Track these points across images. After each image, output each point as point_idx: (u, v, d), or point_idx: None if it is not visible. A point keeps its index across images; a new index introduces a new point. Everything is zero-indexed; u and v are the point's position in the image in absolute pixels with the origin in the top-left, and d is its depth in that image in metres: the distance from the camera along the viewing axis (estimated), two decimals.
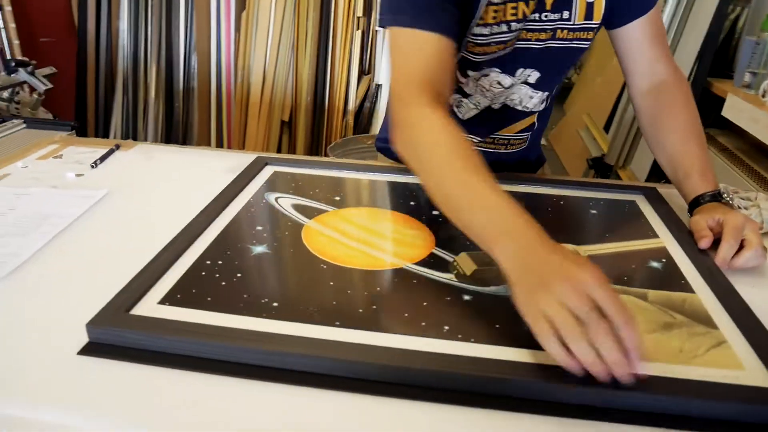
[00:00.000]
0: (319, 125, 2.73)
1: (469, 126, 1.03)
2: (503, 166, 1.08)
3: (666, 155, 0.92)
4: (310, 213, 0.86)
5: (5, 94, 1.63)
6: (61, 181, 1.00)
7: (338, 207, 0.89)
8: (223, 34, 2.74)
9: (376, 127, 2.70)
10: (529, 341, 0.58)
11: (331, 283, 0.68)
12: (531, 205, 0.92)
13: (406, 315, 0.63)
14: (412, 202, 0.92)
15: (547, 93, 1.00)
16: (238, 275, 0.70)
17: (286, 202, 0.90)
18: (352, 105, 2.67)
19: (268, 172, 1.02)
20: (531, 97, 0.99)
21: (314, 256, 0.74)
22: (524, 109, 1.01)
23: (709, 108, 2.08)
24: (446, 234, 0.81)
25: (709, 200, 0.83)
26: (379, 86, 2.67)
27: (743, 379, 0.55)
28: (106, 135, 2.93)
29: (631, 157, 2.52)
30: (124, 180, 0.99)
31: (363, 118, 2.70)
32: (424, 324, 0.61)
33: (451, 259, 0.74)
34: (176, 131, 2.86)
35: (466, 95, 1.00)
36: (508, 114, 1.02)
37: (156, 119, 2.86)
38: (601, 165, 2.61)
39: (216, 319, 0.61)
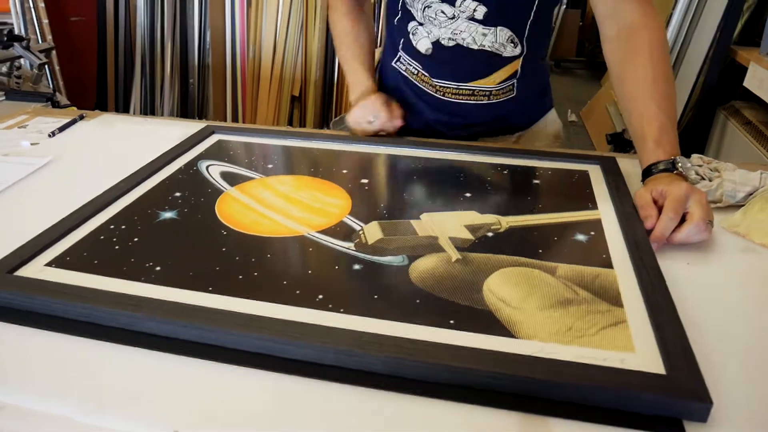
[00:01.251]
0: (329, 99, 2.71)
1: (442, 73, 1.00)
2: (496, 119, 1.05)
3: (626, 116, 0.84)
4: (235, 180, 0.84)
5: (3, 68, 1.67)
6: (15, 149, 1.01)
7: (267, 175, 0.86)
8: (237, 9, 2.74)
9: None
10: (399, 315, 0.54)
11: (223, 249, 0.66)
12: (466, 174, 0.87)
13: (285, 283, 0.59)
14: (344, 170, 0.88)
15: (508, 33, 0.93)
16: (135, 240, 0.68)
17: (215, 170, 0.87)
18: None
19: (211, 140, 1.00)
20: (484, 35, 0.93)
21: (219, 223, 0.72)
22: (491, 50, 0.94)
23: (733, 78, 1.92)
24: (366, 202, 0.77)
25: (662, 170, 0.75)
26: None
27: (627, 363, 0.49)
28: (126, 112, 2.99)
29: None
30: (74, 149, 0.99)
31: None
32: (298, 292, 0.58)
33: (359, 228, 0.70)
34: (192, 107, 2.89)
35: (420, 23, 0.98)
36: (481, 60, 0.96)
37: (172, 96, 2.90)
38: (620, 140, 2.47)
39: (94, 281, 0.59)
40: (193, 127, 1.06)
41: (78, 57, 2.99)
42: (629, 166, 0.86)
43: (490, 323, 0.54)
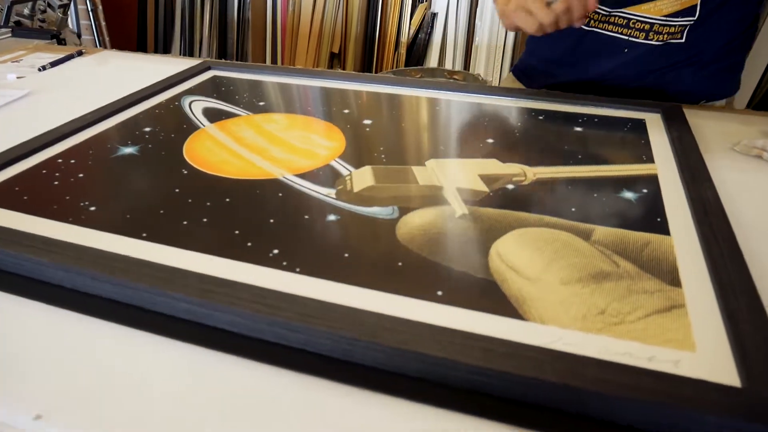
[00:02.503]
0: (370, 57, 2.55)
1: None
2: (642, 73, 0.80)
3: None
4: (217, 117, 0.71)
5: (26, 10, 1.60)
6: (1, 82, 0.93)
7: (257, 113, 0.73)
8: None
9: (431, 60, 2.47)
10: (370, 280, 0.41)
11: (176, 191, 0.54)
12: (492, 118, 0.71)
13: (237, 233, 0.47)
14: (346, 110, 0.74)
15: None
16: (79, 176, 0.57)
17: (198, 106, 0.75)
18: (405, 36, 2.45)
19: (205, 76, 0.87)
20: None
21: (183, 161, 0.59)
22: None
23: None
24: (363, 145, 0.63)
25: None
26: (434, 15, 2.42)
27: (684, 366, 0.34)
28: None
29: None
30: (59, 83, 0.89)
31: (417, 49, 2.47)
32: (249, 245, 0.45)
33: (347, 173, 0.57)
34: (230, 59, 2.79)
35: None
36: None
37: (210, 52, 2.81)
38: None
39: (11, 219, 0.49)
40: (190, 64, 0.94)
41: (119, 11, 2.94)
42: (700, 119, 0.69)
43: (492, 298, 0.39)
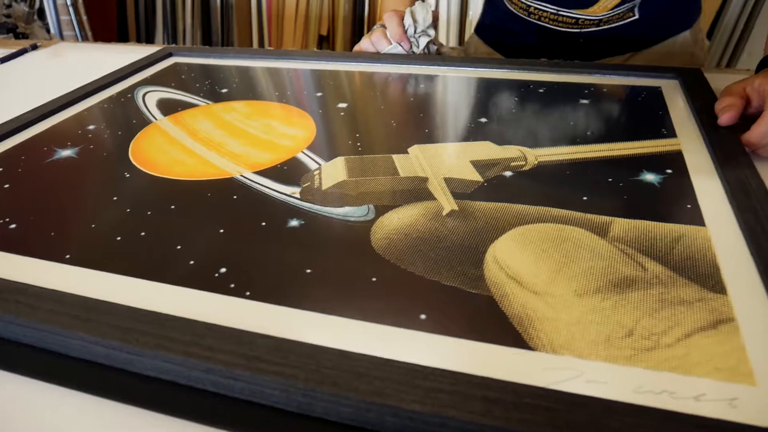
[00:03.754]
0: (360, 37, 2.44)
1: None
2: (607, 46, 0.78)
3: None
4: (172, 109, 0.63)
5: None
6: None
7: (218, 101, 0.64)
8: None
9: None
10: (335, 304, 0.33)
11: (114, 199, 0.45)
12: (484, 93, 0.63)
13: (179, 248, 0.38)
14: (319, 93, 0.65)
15: None
16: (5, 187, 0.48)
17: (152, 98, 0.67)
18: None
19: (165, 64, 0.79)
20: None
21: (127, 163, 0.51)
22: None
23: None
24: (337, 133, 0.55)
25: None
26: None
27: (743, 407, 0.26)
28: None
29: (733, 64, 2.01)
30: (4, 82, 0.81)
31: None
32: (192, 263, 0.37)
33: (315, 167, 0.48)
34: (215, 46, 2.69)
35: None
36: None
37: (194, 38, 2.71)
38: None
39: None
40: (149, 52, 0.85)
41: (98, 3, 2.83)
42: (723, 83, 0.60)
43: (490, 320, 0.31)
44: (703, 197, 0.41)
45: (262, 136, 0.55)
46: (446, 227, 0.39)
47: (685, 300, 0.32)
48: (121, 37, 2.83)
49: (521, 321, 0.31)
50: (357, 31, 2.45)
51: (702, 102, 0.54)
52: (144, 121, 0.60)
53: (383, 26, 0.76)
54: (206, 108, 0.63)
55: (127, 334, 0.30)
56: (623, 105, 0.58)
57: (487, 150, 0.50)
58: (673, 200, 0.41)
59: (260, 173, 0.48)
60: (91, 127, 0.59)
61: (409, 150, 0.50)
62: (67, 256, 0.38)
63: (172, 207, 0.44)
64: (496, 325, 0.31)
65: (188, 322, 0.30)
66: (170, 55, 0.81)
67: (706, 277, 0.34)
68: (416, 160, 0.48)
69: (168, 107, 0.63)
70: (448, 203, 0.42)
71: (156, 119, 0.60)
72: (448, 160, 0.48)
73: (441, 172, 0.46)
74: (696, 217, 0.39)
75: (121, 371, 0.30)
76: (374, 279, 0.35)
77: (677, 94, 0.59)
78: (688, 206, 0.40)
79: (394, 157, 0.49)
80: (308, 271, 0.36)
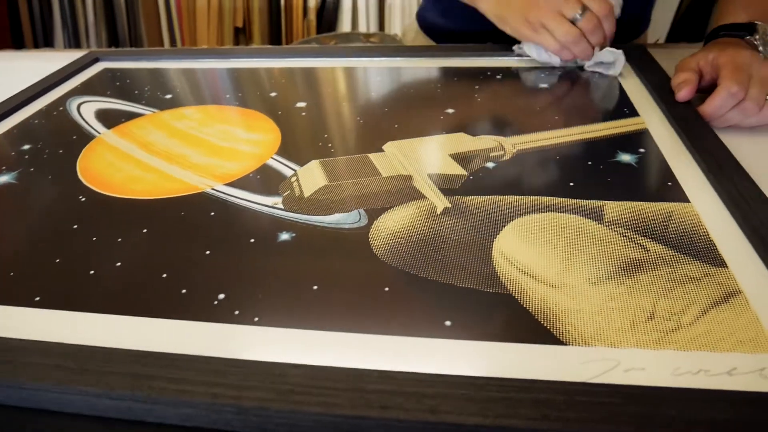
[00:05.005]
0: (278, 28, 2.37)
1: None
2: None
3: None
4: (114, 120, 0.58)
5: None
6: None
7: (163, 108, 0.60)
8: None
9: (343, 25, 2.33)
10: (354, 319, 0.31)
11: (75, 227, 0.41)
12: (445, 83, 0.62)
13: (164, 276, 0.35)
14: (273, 92, 0.62)
15: None
16: None
17: (89, 109, 0.61)
18: (313, 1, 2.29)
19: (93, 70, 0.73)
20: None
21: (78, 184, 0.47)
22: None
23: None
24: (303, 134, 0.53)
25: (731, 33, 0.55)
26: None
27: None
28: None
29: None
30: None
31: (328, 14, 2.32)
32: (184, 292, 0.34)
33: (291, 173, 0.46)
34: (123, 46, 2.53)
35: None
36: None
37: (98, 40, 2.53)
38: None
39: None
40: (73, 58, 0.78)
41: None
42: (667, 61, 0.63)
43: (515, 318, 0.31)
44: (680, 173, 0.43)
45: (223, 143, 0.52)
46: (444, 226, 0.38)
47: (692, 277, 0.33)
48: (16, 40, 2.60)
49: (546, 316, 0.31)
50: (274, 22, 2.38)
51: (655, 78, 0.57)
52: (86, 136, 0.55)
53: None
54: (153, 117, 0.58)
55: (137, 381, 0.27)
56: (582, 87, 0.59)
57: (462, 142, 0.49)
58: (653, 179, 0.42)
59: (232, 185, 0.45)
60: (26, 146, 0.53)
61: (384, 148, 0.49)
62: (37, 299, 0.34)
63: (144, 231, 0.40)
64: (522, 323, 0.30)
65: (204, 360, 0.28)
66: (97, 60, 0.75)
67: (705, 252, 0.35)
68: (394, 158, 0.47)
69: (109, 118, 0.58)
70: (439, 201, 0.41)
71: (99, 133, 0.55)
72: (426, 155, 0.47)
73: (423, 168, 0.45)
74: (679, 194, 0.40)
75: (134, 423, 0.27)
76: (387, 289, 0.33)
77: (628, 72, 0.61)
78: (669, 183, 0.42)
79: (371, 156, 0.48)
80: (315, 287, 0.34)
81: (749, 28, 0.54)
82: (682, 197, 0.40)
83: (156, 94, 0.64)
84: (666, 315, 0.30)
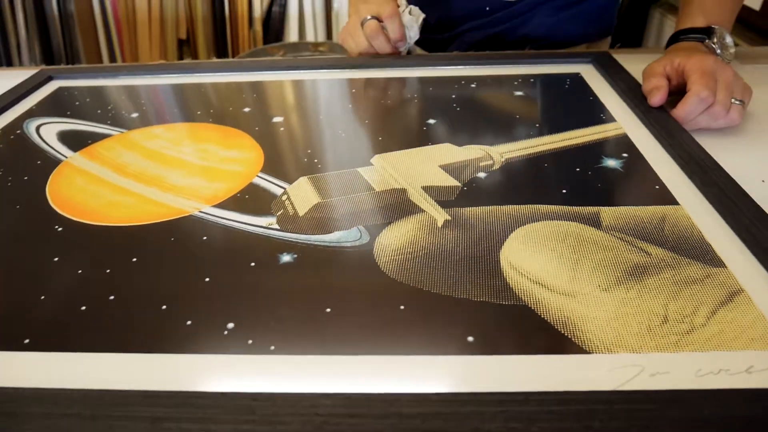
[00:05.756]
0: (223, 39, 2.32)
1: None
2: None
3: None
4: (80, 142, 0.55)
5: None
6: None
7: (131, 128, 0.57)
8: None
9: (290, 34, 2.31)
10: (376, 342, 0.30)
11: (56, 260, 0.38)
12: (422, 94, 0.62)
13: (164, 308, 0.34)
14: (245, 107, 0.61)
15: None
16: None
17: (50, 131, 0.58)
18: (258, 11, 2.26)
19: (48, 89, 0.69)
20: None
21: (52, 213, 0.44)
22: None
23: None
24: (285, 150, 0.51)
25: (691, 37, 0.58)
26: None
27: None
28: None
29: None
30: None
31: (274, 23, 2.29)
32: (189, 323, 0.32)
33: (280, 191, 0.45)
34: (59, 62, 2.42)
35: None
36: None
37: (32, 56, 2.41)
38: None
39: None
40: (18, 76, 0.73)
41: None
42: (632, 65, 0.65)
43: (535, 329, 0.31)
44: (665, 177, 0.44)
45: (204, 163, 0.50)
46: (448, 239, 0.38)
47: (695, 279, 0.34)
48: None
49: (565, 325, 0.31)
50: (219, 33, 2.33)
51: (624, 84, 0.58)
52: (51, 160, 0.52)
53: (377, 19, 0.68)
54: (122, 137, 0.55)
55: (157, 425, 0.25)
56: (555, 94, 0.61)
57: (450, 153, 0.49)
58: (641, 183, 0.44)
59: (221, 206, 0.44)
60: None
61: (372, 161, 0.48)
62: (26, 341, 0.32)
63: (134, 260, 0.38)
64: (543, 334, 0.31)
65: (226, 397, 0.27)
66: (50, 78, 0.71)
67: (702, 253, 0.36)
68: (385, 172, 0.47)
69: (74, 141, 0.55)
70: (439, 214, 0.41)
71: (66, 156, 0.52)
72: (416, 167, 0.47)
73: (416, 181, 0.45)
74: (667, 197, 0.42)
75: None
76: (402, 307, 0.33)
77: (596, 79, 0.63)
78: (656, 187, 0.43)
79: (360, 170, 0.47)
80: (328, 310, 0.33)
81: (707, 32, 0.57)
82: (672, 200, 0.41)
83: (121, 113, 0.61)
84: (678, 317, 0.31)
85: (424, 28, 0.71)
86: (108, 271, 0.37)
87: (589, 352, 0.29)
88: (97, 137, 0.56)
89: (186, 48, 2.37)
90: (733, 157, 0.46)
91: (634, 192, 0.43)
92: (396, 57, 0.70)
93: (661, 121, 0.50)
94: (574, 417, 0.25)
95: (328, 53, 2.18)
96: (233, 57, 2.26)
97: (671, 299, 0.32)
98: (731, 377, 0.28)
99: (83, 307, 0.34)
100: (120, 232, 0.41)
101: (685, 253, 0.36)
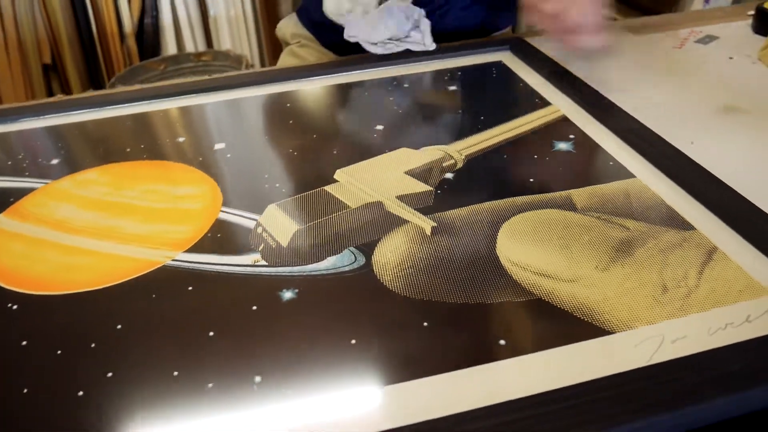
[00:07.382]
0: (94, 59, 2.15)
1: None
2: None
3: None
4: (2, 202, 0.49)
5: None
6: None
7: (55, 177, 0.52)
8: None
9: (168, 47, 2.19)
10: (404, 367, 0.30)
11: (24, 344, 0.34)
12: (356, 100, 0.62)
13: (176, 374, 0.31)
14: (180, 137, 0.57)
15: None
16: None
17: None
18: (129, 25, 2.12)
19: None
20: None
21: None
22: None
23: None
24: (241, 179, 0.49)
25: None
26: None
27: None
28: None
29: None
30: None
31: (148, 37, 2.16)
32: (210, 386, 0.30)
33: (253, 223, 0.43)
34: None
35: None
36: None
37: None
38: None
39: None
40: None
41: None
42: (544, 46, 0.68)
43: (557, 320, 0.32)
44: (613, 152, 0.47)
45: (158, 205, 0.47)
46: (441, 246, 0.39)
47: (675, 244, 0.37)
48: None
49: (582, 311, 0.33)
50: (89, 53, 2.15)
51: (547, 68, 0.62)
52: None
53: None
54: (48, 189, 0.50)
55: None
56: (487, 85, 0.63)
57: (410, 157, 0.50)
58: (595, 161, 0.47)
59: (194, 250, 0.41)
60: None
61: (336, 177, 0.48)
62: None
63: (119, 327, 0.35)
64: (565, 323, 0.32)
65: None
66: None
67: (671, 219, 0.39)
68: (353, 187, 0.46)
69: None
70: (423, 222, 0.41)
71: None
72: (383, 177, 0.47)
73: (389, 191, 0.45)
74: (623, 171, 0.45)
75: None
76: (426, 324, 0.33)
77: (518, 64, 0.66)
78: (611, 163, 0.46)
79: (328, 188, 0.46)
80: (353, 341, 0.32)
81: None
82: (628, 173, 0.45)
83: (37, 161, 0.55)
84: (674, 284, 0.34)
85: (341, 29, 0.70)
86: (93, 345, 0.34)
87: (612, 332, 0.31)
88: (18, 194, 0.50)
89: (53, 74, 2.16)
90: (663, 125, 0.50)
91: (593, 171, 0.46)
92: (318, 65, 0.69)
93: (592, 99, 0.54)
94: (626, 399, 0.26)
95: (212, 62, 2.10)
96: (108, 78, 2.10)
97: (663, 267, 0.35)
98: (738, 329, 0.31)
99: (80, 393, 0.31)
100: (89, 298, 0.37)
101: (657, 221, 0.39)
